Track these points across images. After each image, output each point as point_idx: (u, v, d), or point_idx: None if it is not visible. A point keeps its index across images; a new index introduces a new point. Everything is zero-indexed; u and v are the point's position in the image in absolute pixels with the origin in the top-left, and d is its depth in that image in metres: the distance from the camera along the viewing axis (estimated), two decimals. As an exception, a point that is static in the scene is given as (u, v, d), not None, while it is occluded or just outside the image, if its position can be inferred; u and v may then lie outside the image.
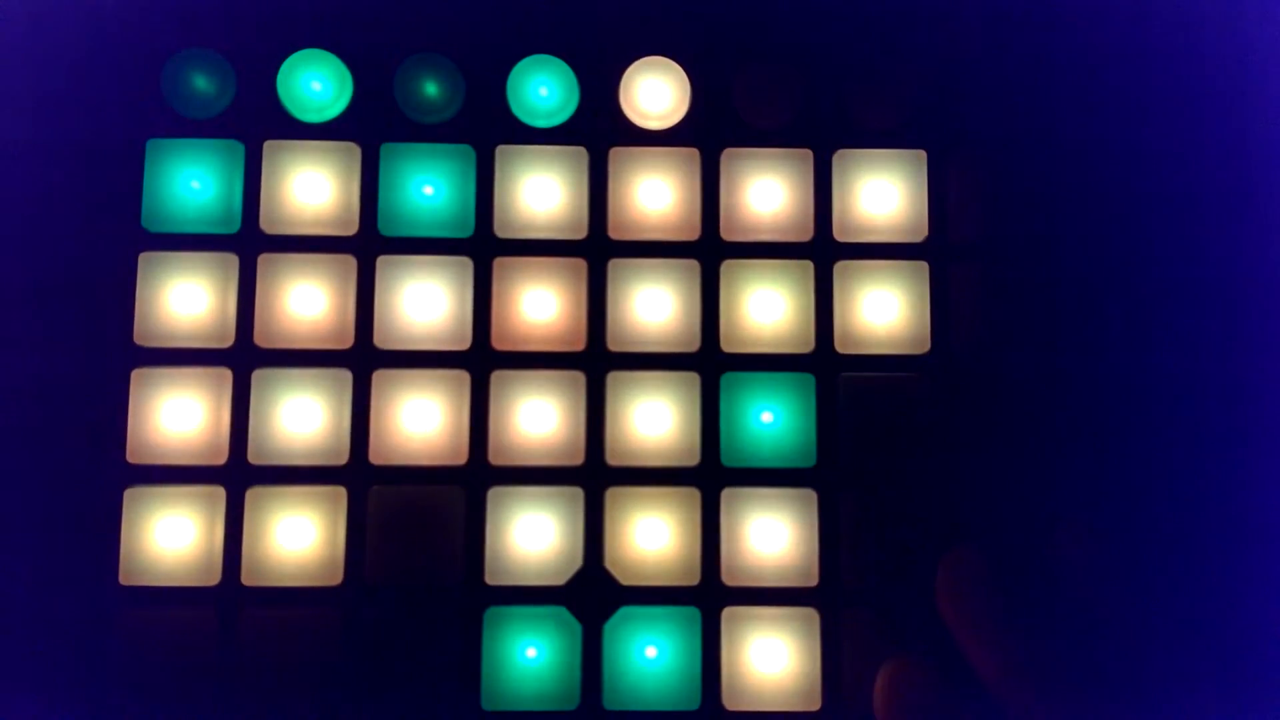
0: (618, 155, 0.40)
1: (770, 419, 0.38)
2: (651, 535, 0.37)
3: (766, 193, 0.40)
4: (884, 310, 0.39)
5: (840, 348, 0.39)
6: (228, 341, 0.38)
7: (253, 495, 0.37)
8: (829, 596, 0.37)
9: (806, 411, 0.38)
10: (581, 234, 0.39)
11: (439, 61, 0.39)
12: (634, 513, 0.38)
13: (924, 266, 0.39)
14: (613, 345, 0.39)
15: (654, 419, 0.38)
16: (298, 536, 0.37)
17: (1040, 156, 0.40)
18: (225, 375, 0.38)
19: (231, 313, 0.38)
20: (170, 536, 0.37)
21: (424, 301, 0.39)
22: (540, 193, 0.39)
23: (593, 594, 0.37)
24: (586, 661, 0.37)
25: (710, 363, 0.38)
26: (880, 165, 0.40)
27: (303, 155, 0.39)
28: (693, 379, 0.38)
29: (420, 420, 0.38)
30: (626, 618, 0.37)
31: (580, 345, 0.39)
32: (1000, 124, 0.40)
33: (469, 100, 0.40)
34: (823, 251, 0.39)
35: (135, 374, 0.38)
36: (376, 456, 0.38)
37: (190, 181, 0.39)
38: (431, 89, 0.39)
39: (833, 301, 0.39)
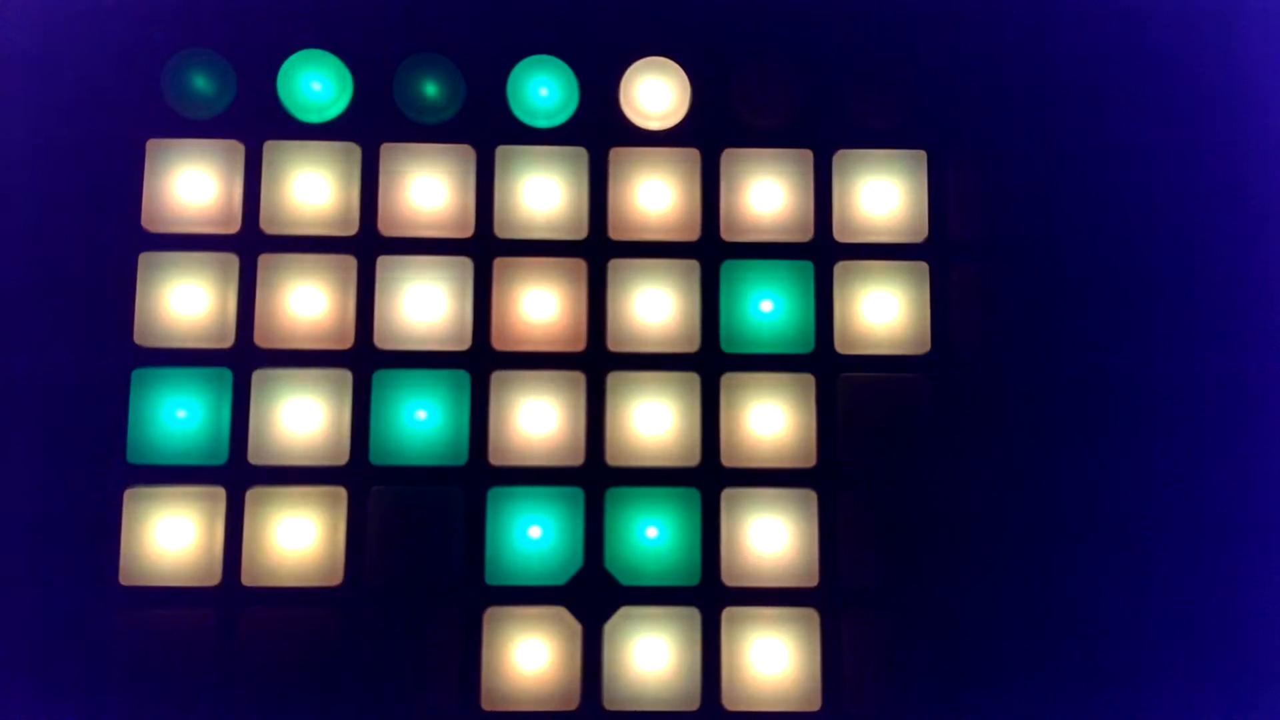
0: (618, 155, 0.40)
1: (771, 420, 0.38)
2: (651, 536, 0.37)
3: (766, 193, 0.40)
4: (884, 310, 0.39)
5: (840, 348, 0.39)
6: (228, 342, 0.38)
7: (253, 496, 0.37)
8: (829, 596, 0.37)
9: (807, 412, 0.38)
10: (581, 234, 0.39)
11: (439, 61, 0.39)
12: (634, 513, 0.38)
13: (924, 266, 0.39)
14: (613, 345, 0.39)
15: (654, 419, 0.38)
16: (298, 536, 0.37)
17: (1040, 156, 0.40)
18: (225, 376, 0.38)
19: (231, 313, 0.38)
20: (170, 537, 0.37)
21: (424, 301, 0.39)
22: (540, 193, 0.39)
23: (593, 594, 0.37)
24: (586, 661, 0.37)
25: (710, 363, 0.38)
26: (880, 165, 0.40)
27: (303, 155, 0.39)
28: (693, 379, 0.38)
29: (421, 420, 0.38)
30: (626, 618, 0.37)
31: (580, 345, 0.39)
32: (1000, 124, 0.40)
33: (469, 100, 0.40)
34: (823, 251, 0.39)
35: (135, 374, 0.38)
36: (377, 456, 0.38)
37: (191, 182, 0.39)
38: (431, 89, 0.39)
39: (833, 301, 0.39)
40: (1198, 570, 0.38)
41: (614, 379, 0.38)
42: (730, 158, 0.40)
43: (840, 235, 0.39)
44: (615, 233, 0.39)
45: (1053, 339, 0.39)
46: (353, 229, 0.39)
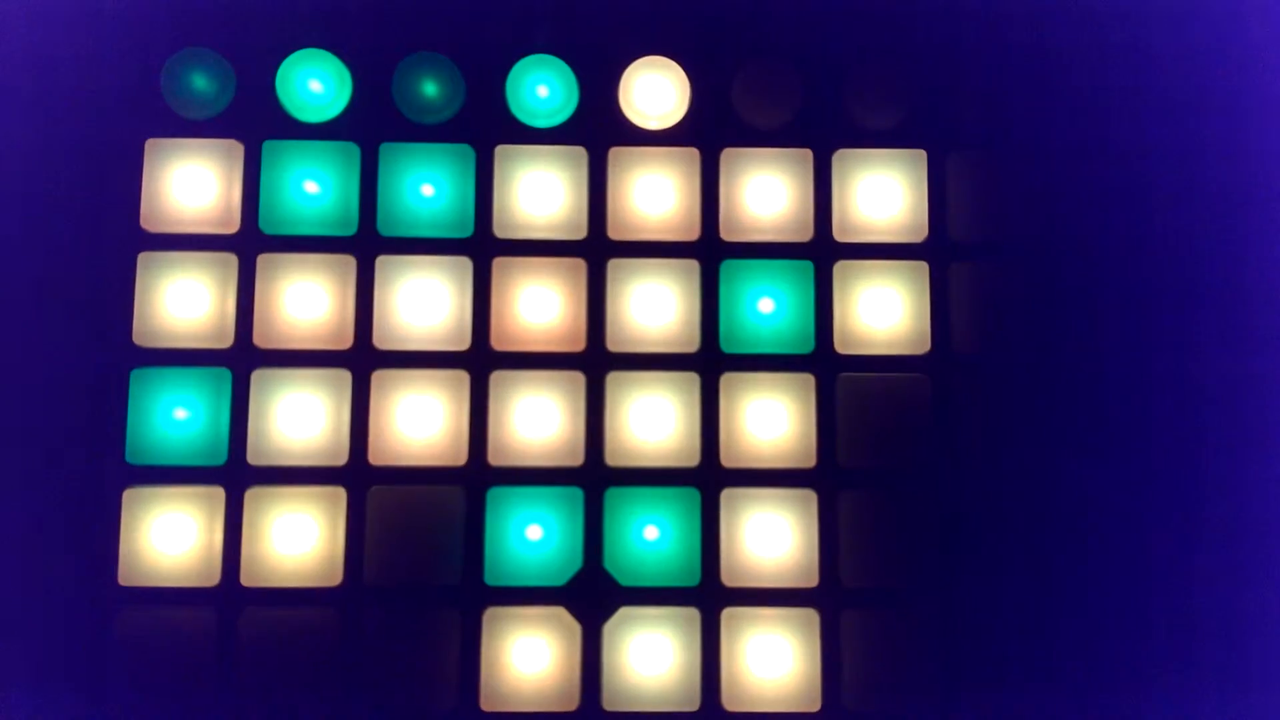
0: (617, 155, 0.40)
1: (771, 420, 0.38)
2: (650, 536, 0.37)
3: (766, 193, 0.39)
4: (884, 310, 0.39)
5: (840, 348, 0.39)
6: (227, 342, 0.38)
7: (252, 495, 0.37)
8: (829, 596, 0.37)
9: (806, 412, 0.38)
10: (581, 234, 0.39)
11: (439, 61, 0.39)
12: (633, 513, 0.38)
13: (924, 266, 0.39)
14: (612, 345, 0.39)
15: (654, 419, 0.38)
16: (298, 536, 0.37)
17: (1040, 156, 0.40)
18: (224, 376, 0.38)
19: (230, 313, 0.38)
20: (170, 537, 0.37)
21: (424, 301, 0.39)
22: (540, 193, 0.39)
23: (593, 594, 0.37)
24: (586, 662, 0.37)
25: (710, 363, 0.38)
26: (880, 165, 0.40)
27: (302, 155, 0.39)
28: (692, 379, 0.38)
29: (420, 420, 0.38)
30: (626, 619, 0.37)
31: (580, 345, 0.38)
32: (1000, 124, 0.40)
33: (469, 100, 0.40)
34: (823, 251, 0.39)
35: (134, 374, 0.38)
36: (376, 457, 0.38)
37: (190, 182, 0.39)
38: (431, 89, 0.39)
39: (833, 301, 0.39)
40: (1197, 570, 0.38)
41: (613, 379, 0.38)
42: (730, 157, 0.40)
43: (840, 235, 0.39)
44: (615, 232, 0.39)
45: (1052, 339, 0.39)
46: (352, 229, 0.39)
